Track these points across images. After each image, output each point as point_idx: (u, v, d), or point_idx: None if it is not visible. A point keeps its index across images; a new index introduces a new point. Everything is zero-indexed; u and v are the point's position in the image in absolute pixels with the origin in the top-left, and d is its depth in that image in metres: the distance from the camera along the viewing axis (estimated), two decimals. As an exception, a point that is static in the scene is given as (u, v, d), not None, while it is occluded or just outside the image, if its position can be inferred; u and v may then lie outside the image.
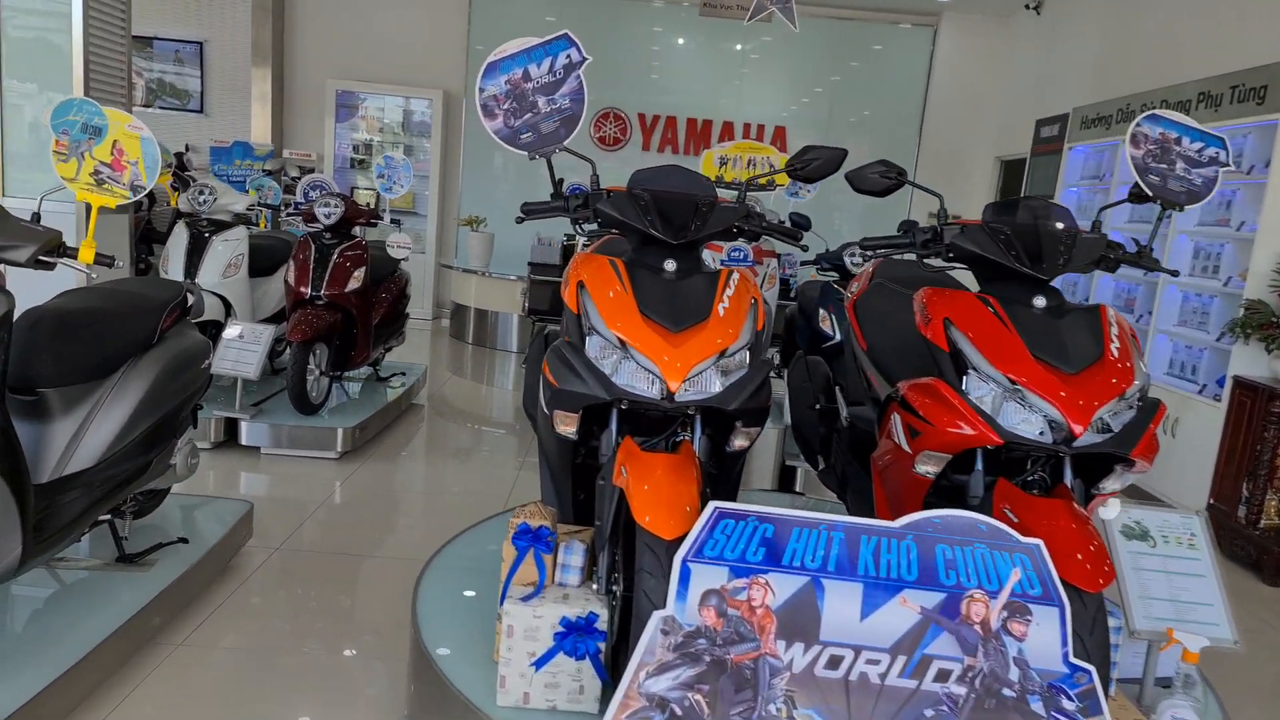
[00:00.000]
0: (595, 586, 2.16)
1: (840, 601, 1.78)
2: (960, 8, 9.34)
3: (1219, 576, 2.37)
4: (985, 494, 2.10)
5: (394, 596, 3.21)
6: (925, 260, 2.36)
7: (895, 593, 1.78)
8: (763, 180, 2.68)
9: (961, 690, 1.73)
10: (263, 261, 5.33)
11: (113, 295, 2.78)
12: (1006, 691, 1.73)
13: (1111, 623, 2.05)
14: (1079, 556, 1.85)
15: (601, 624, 2.03)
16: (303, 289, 4.89)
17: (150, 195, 7.29)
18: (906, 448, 2.17)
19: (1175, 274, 2.57)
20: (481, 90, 2.31)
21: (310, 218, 5.13)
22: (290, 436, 4.71)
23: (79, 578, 2.82)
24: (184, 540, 3.08)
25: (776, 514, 1.82)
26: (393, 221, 6.26)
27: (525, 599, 2.06)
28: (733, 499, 2.48)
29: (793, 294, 6.05)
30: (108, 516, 2.80)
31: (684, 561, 1.79)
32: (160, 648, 2.78)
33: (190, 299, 3.07)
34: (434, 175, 9.60)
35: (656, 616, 1.77)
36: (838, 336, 5.08)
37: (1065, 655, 1.75)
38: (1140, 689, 2.36)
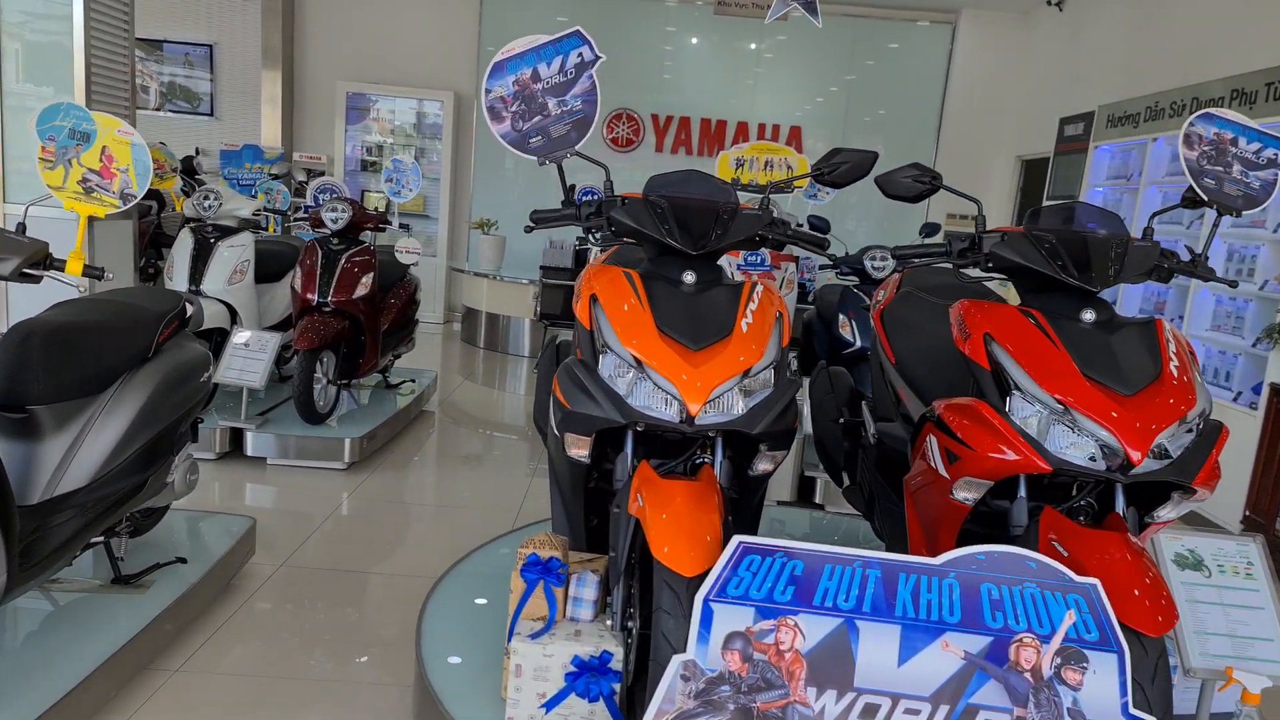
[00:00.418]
0: (609, 622, 2.02)
1: (876, 645, 1.64)
2: (979, 4, 9.15)
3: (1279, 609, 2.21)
4: (1029, 522, 1.95)
5: (401, 617, 3.09)
6: (962, 270, 2.20)
7: (936, 636, 1.64)
8: (796, 184, 2.52)
9: (1010, 743, 1.58)
10: (269, 267, 5.23)
11: (107, 307, 2.67)
12: (1059, 745, 1.58)
13: (1166, 661, 1.89)
14: (1137, 594, 1.70)
15: (616, 663, 1.90)
16: (309, 295, 4.78)
17: (160, 199, 7.22)
18: (944, 472, 2.02)
19: (1234, 284, 2.41)
20: (487, 91, 2.17)
21: (317, 222, 5.02)
22: (297, 447, 4.60)
23: (74, 599, 2.72)
24: (182, 560, 2.97)
25: (807, 550, 1.68)
26: (402, 226, 6.15)
27: (534, 636, 1.92)
28: (755, 524, 2.34)
29: (811, 298, 5.91)
30: (101, 538, 2.69)
31: (706, 601, 1.65)
32: (157, 673, 2.67)
33: (189, 309, 2.95)
34: (445, 177, 9.50)
35: (676, 660, 1.63)
36: (858, 343, 4.93)
37: (1125, 706, 1.60)
38: (1193, 730, 2.21)
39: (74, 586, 2.78)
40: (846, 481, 3.13)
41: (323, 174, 8.98)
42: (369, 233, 5.24)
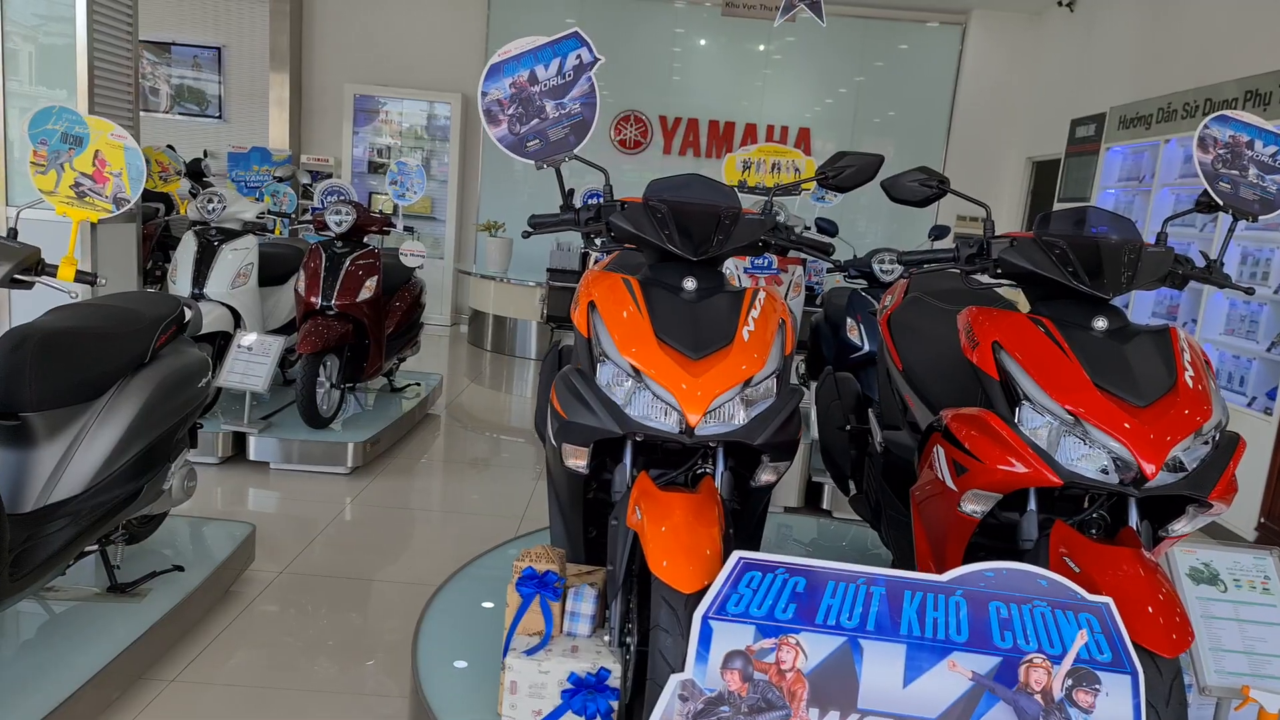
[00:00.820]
0: (607, 638, 1.98)
1: (880, 665, 1.59)
2: (990, 5, 9.07)
3: (1298, 625, 2.14)
4: (1040, 536, 1.89)
5: (403, 625, 3.05)
6: (970, 276, 2.15)
7: (943, 655, 1.58)
8: (803, 188, 2.47)
9: (1019, 768, 1.53)
10: (273, 270, 5.21)
11: (103, 312, 2.64)
12: (1071, 770, 1.53)
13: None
14: (1152, 613, 1.64)
15: (614, 680, 1.85)
16: (313, 299, 4.75)
17: (168, 202, 7.23)
18: (951, 484, 1.96)
19: (1250, 291, 2.34)
20: (484, 94, 2.13)
21: (322, 225, 5.00)
22: (300, 451, 4.58)
23: (69, 608, 2.69)
24: (180, 568, 2.94)
25: (809, 566, 1.63)
26: (406, 229, 6.12)
27: (530, 652, 1.88)
28: (757, 537, 2.29)
29: (818, 301, 5.84)
30: (96, 546, 2.66)
31: (705, 619, 1.60)
32: (153, 683, 2.63)
33: (188, 313, 2.92)
34: (452, 179, 9.48)
35: (674, 680, 1.59)
36: (866, 347, 4.87)
37: (1138, 730, 1.54)
38: (1208, 748, 2.15)
39: (69, 595, 2.75)
40: (853, 490, 3.08)
41: (330, 176, 8.98)
42: (374, 236, 5.20)
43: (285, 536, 3.76)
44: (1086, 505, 1.98)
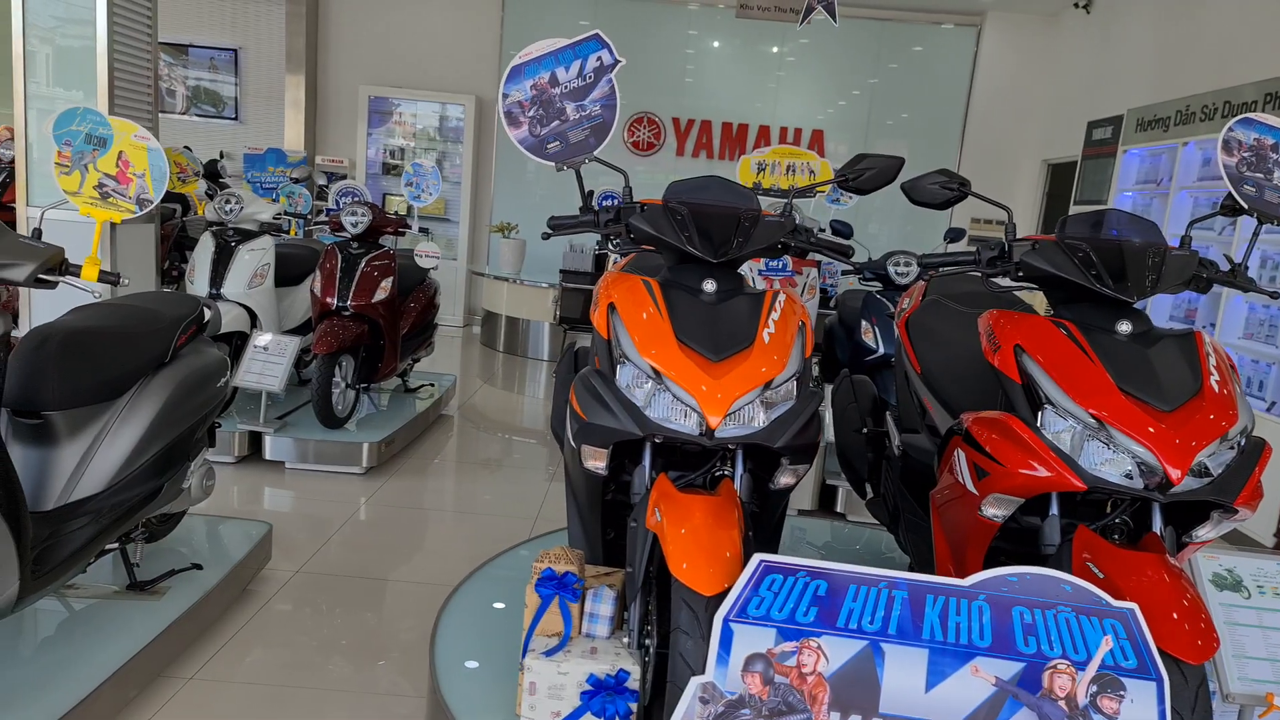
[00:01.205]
0: (626, 640, 1.97)
1: (902, 669, 1.58)
2: (1005, 7, 9.03)
3: (1322, 632, 2.12)
4: (1062, 541, 1.88)
5: (418, 624, 3.06)
6: (991, 279, 2.13)
7: (965, 661, 1.57)
8: (820, 190, 2.46)
9: (1042, 774, 1.52)
10: (289, 271, 5.23)
11: (124, 312, 2.66)
12: (1094, 777, 1.51)
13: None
14: (1177, 619, 1.62)
15: (633, 682, 1.85)
16: (329, 299, 4.77)
17: (184, 203, 7.27)
18: (972, 489, 1.95)
19: (1276, 296, 2.32)
20: (505, 96, 2.13)
21: (337, 226, 5.02)
22: (315, 451, 4.59)
23: (88, 606, 2.70)
24: (198, 566, 2.96)
25: (830, 569, 1.62)
26: (421, 230, 6.14)
27: (549, 653, 1.88)
28: (775, 539, 2.28)
29: (832, 304, 5.83)
30: (116, 544, 2.68)
31: (726, 621, 1.60)
32: (172, 680, 2.65)
33: (207, 313, 2.94)
34: (466, 181, 9.50)
35: (694, 683, 1.58)
36: (881, 349, 4.85)
37: (1164, 737, 1.53)
38: (1231, 756, 2.12)
39: (89, 592, 2.76)
40: (870, 493, 3.06)
41: (344, 177, 9.02)
42: (389, 237, 5.22)
43: (301, 536, 3.77)
44: (1108, 510, 1.97)
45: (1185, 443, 1.73)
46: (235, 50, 9.60)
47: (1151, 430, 1.74)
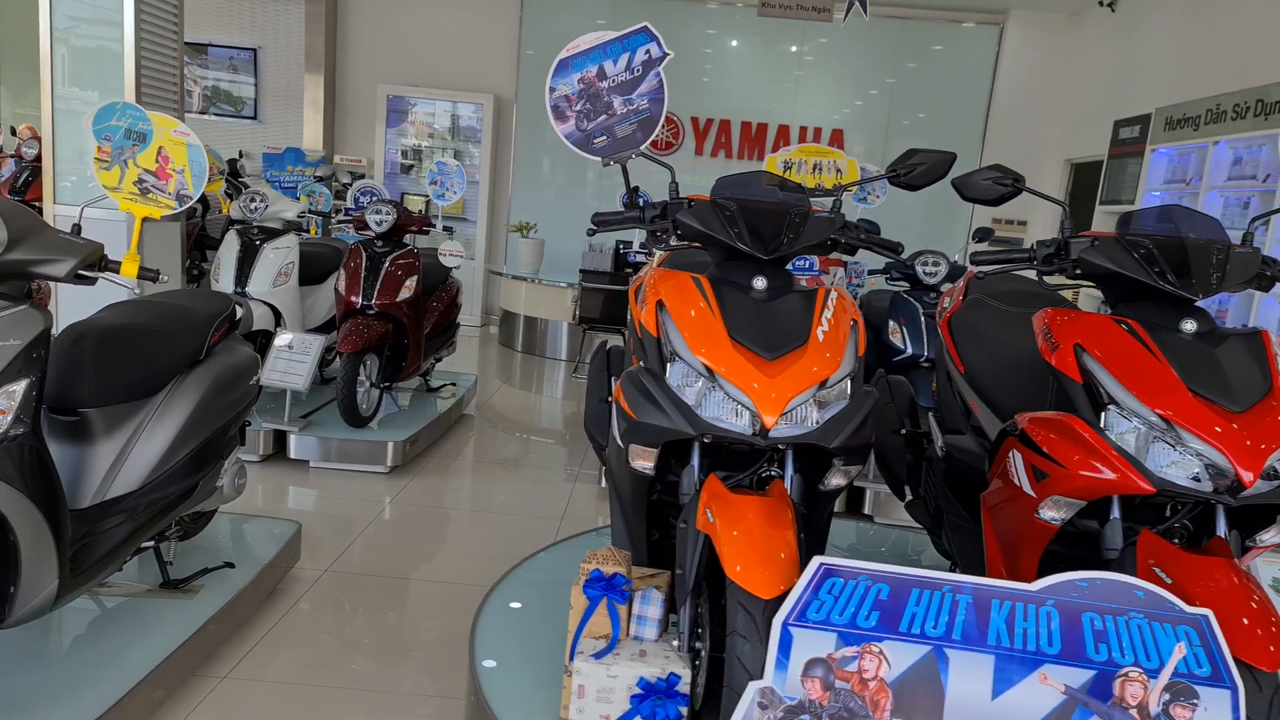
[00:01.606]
0: (675, 642, 1.94)
1: (967, 676, 1.54)
2: (1028, 5, 8.96)
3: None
4: (1125, 545, 1.83)
5: (445, 624, 3.03)
6: (1045, 277, 2.09)
7: (1034, 668, 1.53)
8: (863, 185, 2.42)
9: (1114, 785, 1.48)
10: (312, 269, 5.22)
11: (158, 309, 2.65)
12: (1168, 788, 1.47)
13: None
14: (1249, 625, 1.58)
15: (684, 686, 1.81)
16: (353, 298, 4.76)
17: (204, 201, 7.28)
18: (1029, 490, 1.90)
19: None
20: (552, 90, 2.10)
21: (361, 225, 5.00)
22: (340, 450, 4.58)
23: (122, 604, 2.69)
24: (230, 565, 2.94)
25: (892, 573, 1.58)
26: (445, 229, 6.12)
27: (598, 655, 1.84)
28: (823, 542, 2.24)
29: (858, 304, 5.78)
30: (151, 543, 2.66)
31: (785, 625, 1.56)
32: (206, 679, 2.63)
33: (239, 311, 2.92)
34: (484, 180, 9.49)
35: (753, 688, 1.55)
36: (909, 350, 4.80)
37: (1239, 747, 1.48)
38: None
39: (123, 591, 2.75)
40: (909, 495, 3.02)
41: (363, 177, 9.02)
42: (412, 235, 5.21)
43: (327, 534, 3.75)
44: (1168, 514, 1.92)
45: (1256, 444, 1.68)
46: (254, 50, 9.61)
47: (1221, 431, 1.70)
